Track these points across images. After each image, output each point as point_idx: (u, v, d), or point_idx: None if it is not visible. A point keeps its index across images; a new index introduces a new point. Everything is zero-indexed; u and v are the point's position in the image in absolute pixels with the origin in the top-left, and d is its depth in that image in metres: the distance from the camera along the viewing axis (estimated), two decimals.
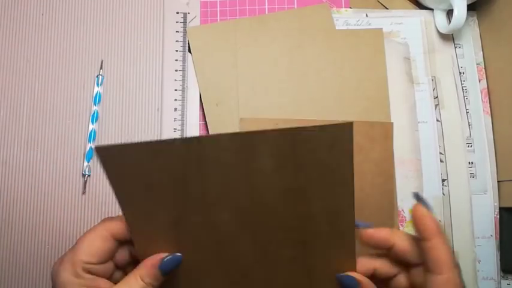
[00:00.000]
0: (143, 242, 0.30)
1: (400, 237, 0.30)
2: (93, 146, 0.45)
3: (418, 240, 0.30)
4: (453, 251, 0.44)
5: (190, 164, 0.28)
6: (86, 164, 0.45)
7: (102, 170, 0.28)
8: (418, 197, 0.30)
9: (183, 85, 0.47)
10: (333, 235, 0.30)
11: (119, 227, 0.30)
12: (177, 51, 0.48)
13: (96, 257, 0.29)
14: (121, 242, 0.31)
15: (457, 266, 0.29)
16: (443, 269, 0.28)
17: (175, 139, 0.27)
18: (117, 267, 0.32)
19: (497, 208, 0.45)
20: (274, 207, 0.29)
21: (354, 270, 0.30)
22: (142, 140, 0.29)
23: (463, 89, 0.48)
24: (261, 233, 0.30)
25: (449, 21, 0.46)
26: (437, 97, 0.47)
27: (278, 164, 0.27)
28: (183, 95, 0.47)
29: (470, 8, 0.47)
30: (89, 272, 0.29)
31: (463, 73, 0.48)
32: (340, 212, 0.29)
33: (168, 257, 0.30)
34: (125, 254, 0.31)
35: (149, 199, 0.29)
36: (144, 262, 0.30)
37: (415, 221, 0.30)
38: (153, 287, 0.29)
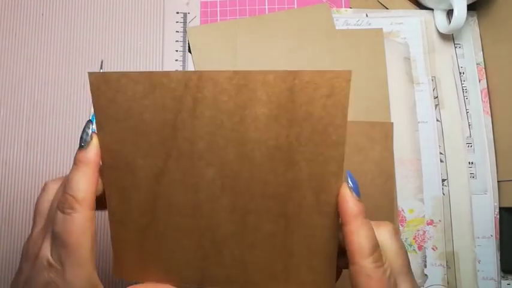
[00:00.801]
0: (116, 197, 0.28)
1: (357, 228, 0.26)
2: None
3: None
4: (453, 252, 0.44)
5: (185, 104, 0.26)
6: None
7: (92, 99, 0.27)
8: (348, 176, 0.27)
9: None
10: (317, 209, 0.27)
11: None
12: (177, 51, 0.48)
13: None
14: None
15: (373, 253, 0.25)
16: (354, 257, 0.25)
17: (176, 71, 0.27)
18: None
19: (497, 208, 0.45)
20: (260, 167, 0.27)
21: (334, 251, 0.27)
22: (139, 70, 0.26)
23: (463, 89, 0.48)
24: (242, 198, 0.28)
25: (449, 21, 0.46)
26: (437, 97, 0.47)
27: (273, 113, 0.26)
28: None
29: (470, 8, 0.47)
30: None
31: (463, 73, 0.48)
32: (327, 181, 0.26)
33: None
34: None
35: (134, 144, 0.27)
36: None
37: (337, 204, 0.26)
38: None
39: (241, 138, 0.26)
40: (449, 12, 0.48)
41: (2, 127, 0.46)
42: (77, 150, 0.27)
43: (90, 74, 0.26)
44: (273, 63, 0.47)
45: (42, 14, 0.48)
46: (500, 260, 0.44)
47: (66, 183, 0.27)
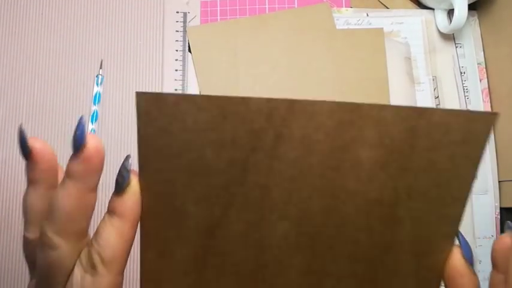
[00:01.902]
0: (154, 251, 0.22)
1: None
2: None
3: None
4: None
5: (264, 140, 0.21)
6: None
7: (137, 126, 0.21)
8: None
9: (183, 85, 0.47)
10: (416, 276, 0.22)
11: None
12: (177, 50, 0.48)
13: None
14: None
15: None
16: None
17: (258, 97, 0.20)
18: None
19: (498, 208, 0.45)
20: (351, 224, 0.22)
21: None
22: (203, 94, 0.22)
23: (464, 89, 0.47)
24: (321, 260, 0.22)
25: (450, 21, 0.46)
26: (438, 97, 0.47)
27: (382, 160, 0.21)
28: None
29: (471, 7, 0.47)
30: None
31: (464, 73, 0.48)
32: (435, 244, 0.22)
33: None
34: None
35: (187, 187, 0.22)
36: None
37: (446, 274, 0.22)
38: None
39: (334, 188, 0.21)
40: (450, 12, 0.48)
41: (2, 126, 0.46)
42: (112, 196, 0.21)
43: (139, 94, 0.21)
44: (273, 63, 0.47)
45: (42, 13, 0.48)
46: None
47: (94, 236, 0.21)
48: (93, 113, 0.45)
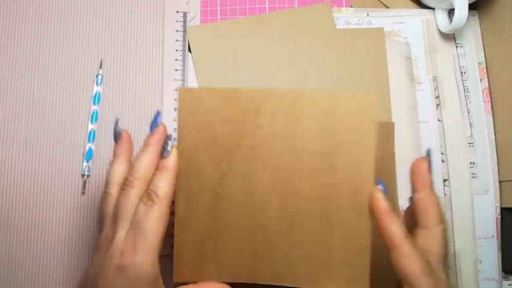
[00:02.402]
0: (184, 200, 0.32)
1: (388, 221, 0.30)
2: (92, 146, 0.45)
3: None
4: (454, 252, 0.44)
5: (250, 115, 0.31)
6: (85, 164, 0.44)
7: (178, 110, 0.31)
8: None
9: (183, 85, 0.47)
10: (354, 209, 0.31)
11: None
12: (177, 50, 0.48)
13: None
14: None
15: (407, 237, 0.30)
16: (393, 243, 0.29)
17: (245, 89, 0.31)
18: None
19: (499, 208, 0.45)
20: (307, 171, 0.31)
21: (368, 246, 0.31)
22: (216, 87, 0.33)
23: (464, 89, 0.47)
24: (291, 199, 0.32)
25: (451, 21, 0.45)
26: (438, 97, 0.47)
27: (318, 125, 0.31)
28: None
29: (472, 7, 0.47)
30: None
31: (465, 73, 0.48)
32: (361, 183, 0.31)
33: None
34: None
35: (206, 150, 0.32)
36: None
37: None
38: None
39: (293, 146, 0.31)
40: (451, 12, 0.48)
41: (1, 127, 0.46)
42: (160, 159, 0.31)
43: (180, 89, 0.32)
44: (273, 62, 0.47)
45: (42, 14, 0.48)
46: (502, 260, 0.44)
47: (150, 183, 0.31)
48: (93, 113, 0.45)
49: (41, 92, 0.46)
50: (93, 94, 0.46)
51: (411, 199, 0.33)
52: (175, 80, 0.47)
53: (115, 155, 0.33)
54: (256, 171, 0.32)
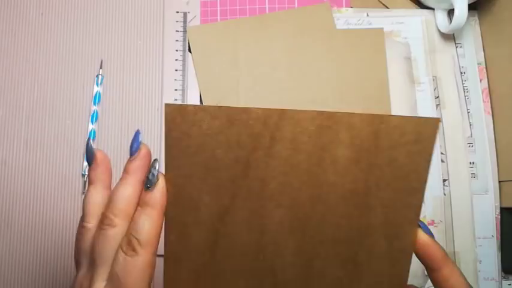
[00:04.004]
0: (176, 233, 0.27)
1: (450, 270, 0.27)
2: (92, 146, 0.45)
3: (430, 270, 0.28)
4: (454, 252, 0.44)
5: (262, 142, 0.26)
6: (85, 164, 0.44)
7: (165, 130, 0.26)
8: (420, 225, 0.27)
9: (183, 85, 0.47)
10: (389, 256, 0.26)
11: None
12: (177, 50, 0.48)
13: None
14: None
15: None
16: None
17: (256, 108, 0.25)
18: None
19: (498, 208, 0.45)
20: (333, 211, 0.26)
21: None
22: (216, 105, 0.26)
23: (464, 89, 0.47)
24: (310, 242, 0.27)
25: (450, 21, 0.46)
26: (438, 97, 0.47)
27: (354, 157, 0.25)
28: (183, 95, 0.47)
29: (471, 7, 0.47)
30: None
31: (464, 73, 0.48)
32: (402, 228, 0.26)
33: None
34: None
35: (202, 180, 0.26)
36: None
37: (418, 252, 0.27)
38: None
39: (317, 181, 0.26)
40: (450, 12, 0.48)
41: (1, 127, 0.46)
42: (143, 192, 0.26)
43: (167, 105, 0.25)
44: (273, 63, 0.47)
45: (42, 14, 0.48)
46: (501, 260, 0.44)
47: (131, 224, 0.26)
48: (93, 113, 0.45)
49: (41, 92, 0.46)
50: (94, 94, 0.46)
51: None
52: (176, 80, 0.47)
53: (90, 181, 0.28)
54: (268, 208, 0.26)
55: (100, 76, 0.46)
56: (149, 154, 0.27)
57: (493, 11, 0.47)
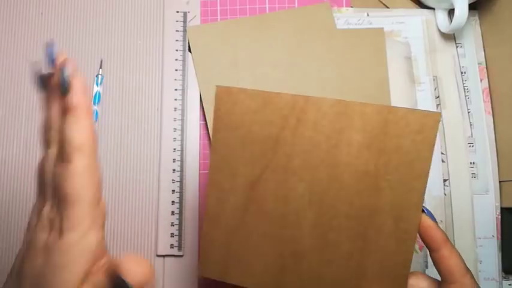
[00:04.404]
0: (215, 197, 0.31)
1: (448, 251, 0.29)
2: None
3: (432, 252, 0.30)
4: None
5: (289, 122, 0.30)
6: None
7: (214, 107, 0.30)
8: (423, 210, 0.30)
9: (183, 85, 0.47)
10: (395, 236, 0.29)
11: None
12: (177, 50, 0.48)
13: None
14: None
15: (468, 271, 0.29)
16: (455, 277, 0.29)
17: (286, 93, 0.29)
18: None
19: (499, 208, 0.45)
20: (347, 189, 0.29)
21: (407, 277, 0.29)
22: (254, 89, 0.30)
23: (464, 89, 0.47)
24: (326, 215, 0.30)
25: (451, 21, 0.45)
26: (438, 97, 0.47)
27: (366, 142, 0.29)
28: (182, 95, 0.47)
29: (472, 7, 0.47)
30: None
31: (465, 73, 0.48)
32: (407, 210, 0.29)
33: (116, 282, 0.23)
34: None
35: (240, 151, 0.31)
36: (106, 269, 0.24)
37: (421, 233, 0.30)
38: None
39: (334, 160, 0.29)
40: (451, 12, 0.48)
41: (1, 127, 0.46)
42: (60, 102, 0.24)
43: (218, 86, 0.30)
44: (273, 63, 0.47)
45: (42, 13, 0.48)
46: (502, 260, 0.44)
47: (59, 137, 0.24)
48: (93, 113, 0.45)
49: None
50: (93, 94, 0.46)
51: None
52: (176, 80, 0.47)
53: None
54: (292, 181, 0.30)
55: (100, 76, 0.46)
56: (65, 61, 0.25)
57: (494, 10, 0.47)
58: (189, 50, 0.48)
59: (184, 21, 0.48)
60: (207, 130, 0.46)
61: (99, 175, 0.25)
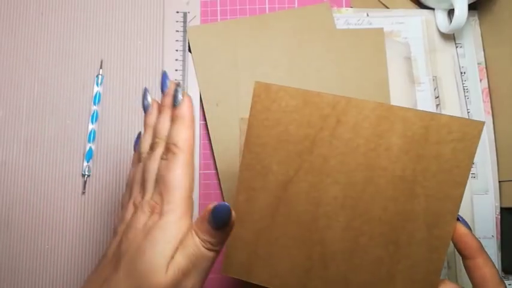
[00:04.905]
0: (244, 195, 0.31)
1: (484, 260, 0.29)
2: (92, 146, 0.45)
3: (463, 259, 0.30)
4: (454, 252, 0.44)
5: (329, 123, 0.29)
6: (85, 164, 0.44)
7: (251, 103, 0.30)
8: (459, 219, 0.30)
9: (183, 85, 0.47)
10: (427, 243, 0.29)
11: None
12: (177, 50, 0.48)
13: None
14: None
15: (502, 282, 0.29)
16: (488, 287, 0.29)
17: (327, 93, 0.29)
18: None
19: (499, 208, 0.45)
20: (382, 193, 0.29)
21: (437, 285, 0.29)
22: (294, 87, 0.30)
23: (464, 89, 0.47)
24: (359, 219, 0.29)
25: (450, 21, 0.46)
26: (438, 97, 0.47)
27: (405, 147, 0.28)
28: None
29: (472, 7, 0.47)
30: None
31: (464, 73, 0.48)
32: (442, 217, 0.28)
33: (216, 208, 0.28)
34: None
35: (274, 150, 0.30)
36: (200, 214, 0.29)
37: (456, 240, 0.29)
38: (212, 245, 0.28)
39: (372, 164, 0.29)
40: (450, 12, 0.48)
41: (2, 127, 0.46)
42: (172, 109, 0.31)
43: (257, 82, 0.30)
44: (273, 63, 0.47)
45: (42, 14, 0.48)
46: (502, 260, 0.44)
47: (167, 138, 0.30)
48: (93, 113, 0.45)
49: (41, 92, 0.46)
50: (94, 94, 0.46)
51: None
52: (175, 80, 0.47)
53: (145, 126, 0.33)
54: (326, 183, 0.29)
55: (100, 76, 0.46)
56: (175, 85, 0.32)
57: (493, 10, 0.47)
58: (189, 50, 0.48)
59: (184, 22, 0.48)
60: (207, 130, 0.46)
61: (193, 171, 0.30)
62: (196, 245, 0.28)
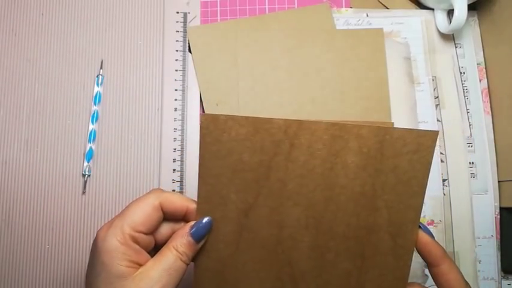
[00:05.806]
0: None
1: (448, 266, 0.30)
2: (93, 146, 0.45)
3: (430, 267, 0.30)
4: (454, 252, 0.44)
5: (282, 148, 0.29)
6: (86, 164, 0.45)
7: (199, 136, 0.29)
8: (420, 226, 0.30)
9: (183, 85, 0.47)
10: (393, 252, 0.29)
11: (169, 200, 0.30)
12: (177, 51, 0.48)
13: (146, 225, 0.29)
14: (165, 217, 0.31)
15: (467, 286, 0.30)
16: None
17: (278, 118, 0.29)
18: (156, 243, 0.32)
19: (498, 208, 0.45)
20: (344, 210, 0.29)
21: None
22: (244, 115, 0.29)
23: (463, 89, 0.48)
24: (323, 237, 0.30)
25: (450, 21, 0.46)
26: (437, 97, 0.47)
27: (362, 163, 0.29)
28: (183, 95, 0.47)
29: (471, 7, 0.47)
30: (136, 241, 0.29)
31: (464, 73, 0.48)
32: (404, 227, 0.29)
33: (198, 222, 0.29)
34: (166, 230, 0.31)
35: (230, 180, 0.30)
36: (177, 232, 0.30)
37: (420, 249, 0.30)
38: (188, 257, 0.29)
39: (330, 183, 0.29)
40: (450, 12, 0.48)
41: (2, 127, 0.46)
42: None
43: (203, 115, 0.29)
44: (273, 63, 0.47)
45: (42, 14, 0.48)
46: (501, 260, 0.44)
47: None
48: (93, 113, 0.46)
49: (41, 92, 0.47)
50: (94, 94, 0.46)
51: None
52: (176, 80, 0.47)
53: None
54: (286, 206, 0.30)
55: (100, 76, 0.47)
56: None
57: (493, 11, 0.47)
58: (189, 51, 0.48)
59: (185, 22, 0.48)
60: None
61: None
62: (175, 258, 0.29)
